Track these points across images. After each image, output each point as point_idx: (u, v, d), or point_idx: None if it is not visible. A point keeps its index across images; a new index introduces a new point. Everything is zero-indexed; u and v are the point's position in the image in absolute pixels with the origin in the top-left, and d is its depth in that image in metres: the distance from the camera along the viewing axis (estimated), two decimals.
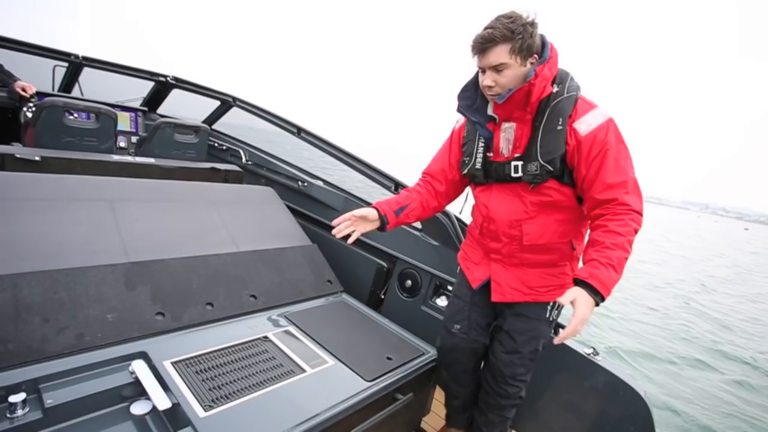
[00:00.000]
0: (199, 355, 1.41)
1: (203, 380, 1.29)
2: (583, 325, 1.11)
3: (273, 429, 1.14)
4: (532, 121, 1.26)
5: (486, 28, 1.17)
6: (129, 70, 3.47)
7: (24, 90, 2.74)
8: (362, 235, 2.55)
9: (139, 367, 1.28)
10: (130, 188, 1.98)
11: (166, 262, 1.70)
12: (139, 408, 1.22)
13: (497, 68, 1.19)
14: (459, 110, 1.37)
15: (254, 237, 2.13)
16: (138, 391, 1.27)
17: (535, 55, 1.21)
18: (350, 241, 1.52)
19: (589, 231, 1.29)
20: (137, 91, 3.90)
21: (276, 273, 2.00)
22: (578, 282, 1.14)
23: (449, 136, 1.55)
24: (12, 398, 1.07)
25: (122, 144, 3.21)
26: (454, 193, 1.60)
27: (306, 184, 2.88)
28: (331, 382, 1.41)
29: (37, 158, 1.98)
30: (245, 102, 3.31)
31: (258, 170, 3.30)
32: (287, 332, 1.67)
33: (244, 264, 1.94)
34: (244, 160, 3.37)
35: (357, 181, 2.75)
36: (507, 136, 1.31)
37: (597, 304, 1.12)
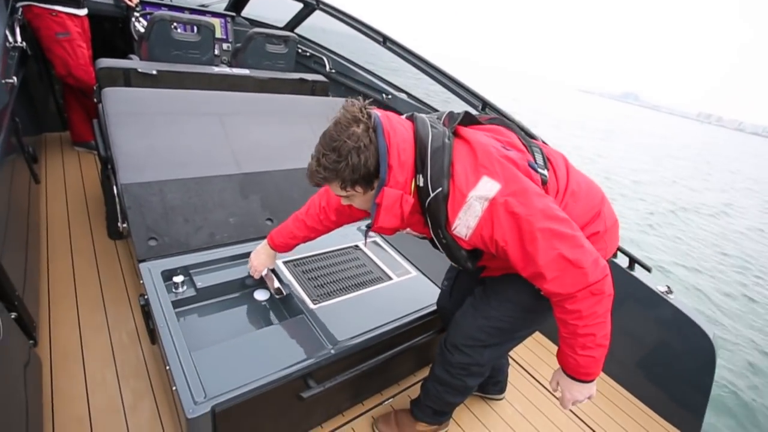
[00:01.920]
0: (304, 258, 1.67)
1: (309, 279, 1.56)
2: (573, 404, 1.07)
3: (366, 325, 1.38)
4: (422, 215, 1.02)
5: (313, 157, 0.96)
6: None
7: (130, 0, 2.91)
8: None
9: None
10: (233, 102, 2.17)
11: (270, 174, 1.92)
12: (260, 295, 1.53)
13: (343, 196, 1.01)
14: None
15: None
16: (259, 281, 1.58)
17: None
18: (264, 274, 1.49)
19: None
20: None
21: None
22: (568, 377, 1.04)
23: None
24: (175, 279, 1.40)
25: (216, 51, 3.36)
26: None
27: (390, 96, 2.88)
28: (414, 290, 1.62)
29: (154, 72, 2.20)
30: (329, 5, 3.21)
31: (341, 79, 3.32)
32: (375, 242, 1.87)
33: None
34: (327, 68, 3.39)
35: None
36: (411, 231, 1.15)
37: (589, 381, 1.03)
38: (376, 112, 0.97)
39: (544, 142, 1.30)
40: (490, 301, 1.17)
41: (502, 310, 1.16)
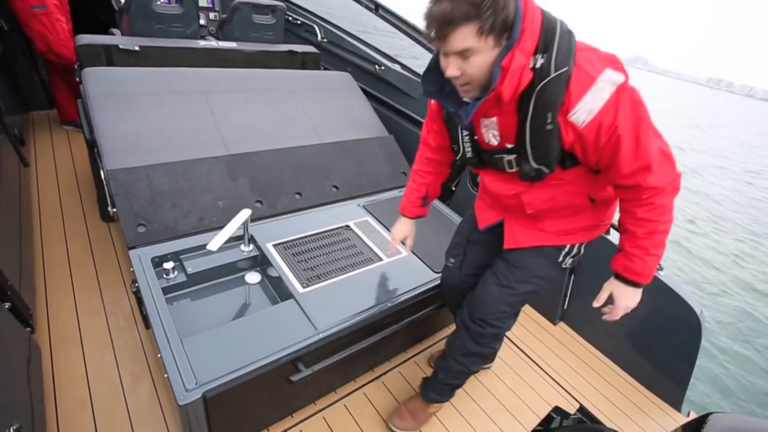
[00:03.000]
0: (294, 240, 1.67)
1: (299, 261, 1.56)
2: (626, 311, 1.13)
3: (356, 307, 1.40)
4: (516, 111, 0.96)
5: (440, 0, 0.82)
6: None
7: None
8: None
9: (249, 248, 1.58)
10: (220, 79, 2.10)
11: (259, 154, 1.89)
12: (251, 278, 1.54)
13: (463, 54, 0.87)
14: (426, 95, 1.08)
15: (335, 128, 2.23)
16: (249, 265, 1.59)
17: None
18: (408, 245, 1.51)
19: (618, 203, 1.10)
20: None
21: (355, 164, 2.14)
22: (615, 275, 1.11)
23: (429, 107, 1.28)
24: (165, 265, 1.41)
25: (202, 21, 3.23)
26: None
27: (383, 68, 2.78)
28: (405, 271, 1.63)
29: (136, 48, 2.13)
30: None
31: (333, 49, 3.21)
32: (366, 222, 1.87)
33: (327, 155, 2.08)
34: (319, 37, 3.26)
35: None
36: (490, 130, 1.04)
37: (640, 286, 1.10)
38: None
39: None
40: (516, 275, 1.24)
41: (529, 284, 1.24)
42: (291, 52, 2.68)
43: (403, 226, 1.48)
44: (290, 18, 3.52)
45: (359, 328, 1.38)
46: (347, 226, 1.82)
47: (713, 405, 3.49)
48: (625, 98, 0.87)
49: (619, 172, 0.95)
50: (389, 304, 1.46)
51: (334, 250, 1.67)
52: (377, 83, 2.86)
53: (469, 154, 1.15)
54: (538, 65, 0.87)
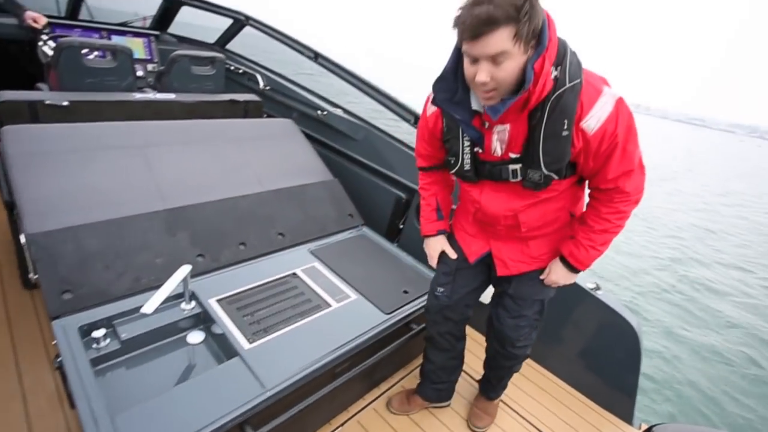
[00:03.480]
0: (239, 293, 1.62)
1: (244, 316, 1.51)
2: (554, 285, 1.36)
3: (306, 359, 1.36)
4: (528, 119, 1.03)
5: (483, 2, 0.85)
6: None
7: (35, 21, 2.69)
8: (381, 165, 2.61)
9: (191, 305, 1.51)
10: (157, 132, 2.06)
11: (200, 207, 1.85)
12: (194, 338, 1.46)
13: (495, 58, 0.90)
14: (436, 103, 1.11)
15: (278, 175, 2.23)
16: (191, 324, 1.51)
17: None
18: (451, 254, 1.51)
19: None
20: (147, 6, 3.75)
21: (300, 210, 2.14)
22: (560, 257, 1.30)
23: (420, 127, 1.34)
24: (95, 333, 1.31)
25: (140, 73, 3.18)
26: None
27: (326, 112, 2.86)
28: (355, 315, 1.61)
29: (65, 103, 2.05)
30: (259, 22, 3.15)
31: (276, 96, 3.26)
32: (313, 268, 1.85)
33: (271, 203, 2.07)
34: (261, 85, 3.31)
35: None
36: (500, 137, 1.09)
37: (577, 271, 1.29)
38: None
39: None
40: (521, 305, 1.42)
41: (534, 305, 1.43)
42: (232, 101, 2.69)
43: (434, 244, 1.50)
44: (231, 67, 3.56)
45: (311, 380, 1.34)
46: (294, 274, 1.79)
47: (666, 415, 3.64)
48: (623, 110, 1.00)
49: (604, 177, 1.09)
50: (340, 352, 1.43)
51: (282, 300, 1.63)
52: (321, 128, 2.93)
53: (467, 167, 1.19)
54: (555, 75, 0.96)
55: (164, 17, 3.67)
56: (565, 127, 0.99)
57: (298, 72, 3.67)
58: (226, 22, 3.50)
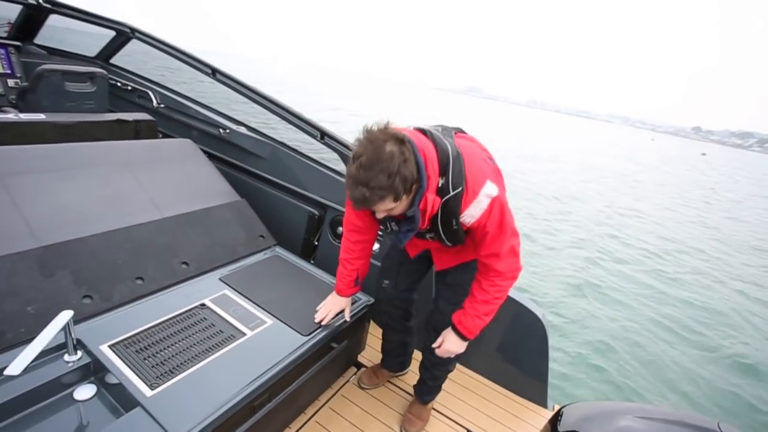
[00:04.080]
0: (137, 333, 1.45)
1: (145, 358, 1.36)
2: (448, 354, 1.54)
3: (219, 397, 1.26)
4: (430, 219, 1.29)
5: (359, 184, 1.08)
6: None
7: None
8: (291, 182, 2.56)
9: (76, 356, 1.31)
10: (21, 158, 1.78)
11: (83, 241, 1.63)
12: (82, 393, 1.28)
13: (389, 209, 1.19)
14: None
15: (178, 199, 2.06)
16: (78, 377, 1.32)
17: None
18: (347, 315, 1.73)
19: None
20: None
21: (206, 235, 2.00)
22: (452, 325, 1.49)
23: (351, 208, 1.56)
24: None
25: None
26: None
27: (228, 131, 2.73)
28: (271, 342, 1.54)
29: None
30: (146, 34, 2.90)
31: (173, 114, 3.03)
32: (224, 296, 1.73)
33: (171, 230, 1.90)
34: (155, 103, 3.06)
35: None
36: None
37: (466, 339, 1.49)
38: (404, 132, 1.16)
39: None
40: (458, 292, 1.55)
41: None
42: (120, 121, 2.43)
43: (339, 301, 1.70)
44: (119, 84, 3.24)
45: (227, 418, 1.24)
46: (203, 305, 1.66)
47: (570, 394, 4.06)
48: (495, 208, 1.24)
49: (479, 252, 1.35)
50: (258, 383, 1.35)
51: (189, 335, 1.50)
52: (224, 147, 2.78)
53: (395, 230, 1.41)
54: (440, 184, 1.20)
55: (26, 26, 3.21)
56: (454, 223, 1.26)
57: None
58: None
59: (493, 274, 1.35)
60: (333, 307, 1.68)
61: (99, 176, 1.93)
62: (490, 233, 1.27)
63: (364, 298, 1.88)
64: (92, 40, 3.55)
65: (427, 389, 1.84)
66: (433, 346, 1.56)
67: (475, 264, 1.48)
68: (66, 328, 1.26)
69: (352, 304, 1.79)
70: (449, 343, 1.50)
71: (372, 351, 2.20)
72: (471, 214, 1.23)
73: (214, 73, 2.58)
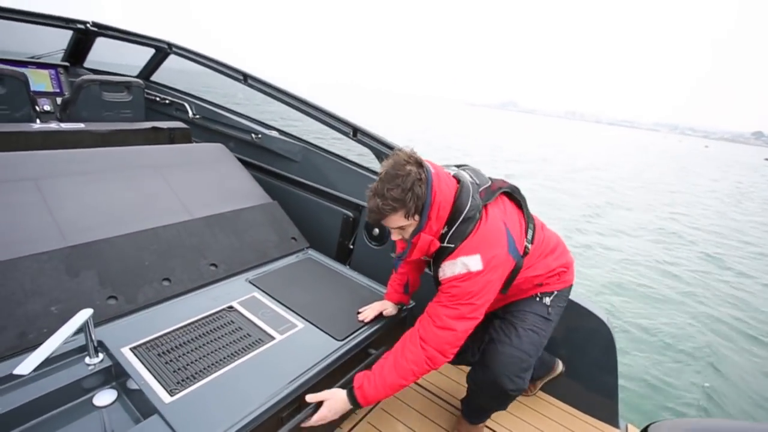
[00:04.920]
0: (160, 336, 1.35)
1: (166, 363, 1.25)
2: (321, 421, 1.23)
3: (244, 406, 1.12)
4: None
5: (376, 195, 1.19)
6: (38, 17, 3.00)
7: None
8: (324, 184, 2.45)
9: (97, 358, 1.22)
10: (56, 161, 1.78)
11: (110, 241, 1.58)
12: (102, 399, 1.18)
13: (400, 227, 1.26)
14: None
15: (208, 201, 2.00)
16: (99, 381, 1.23)
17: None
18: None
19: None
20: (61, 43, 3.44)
21: (235, 237, 1.91)
22: (348, 386, 1.28)
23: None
24: None
25: (47, 107, 2.86)
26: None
27: (260, 135, 2.69)
28: (302, 346, 1.40)
29: None
30: (183, 48, 2.96)
31: (207, 124, 3.05)
32: (253, 299, 1.62)
33: (200, 232, 1.83)
34: (190, 114, 3.10)
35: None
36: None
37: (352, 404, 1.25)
38: (428, 164, 1.25)
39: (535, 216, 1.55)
40: (512, 332, 1.45)
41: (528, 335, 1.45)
42: (155, 128, 2.45)
43: (385, 304, 1.61)
44: (158, 98, 3.32)
45: (252, 429, 1.10)
46: (230, 307, 1.55)
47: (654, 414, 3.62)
48: (461, 279, 1.23)
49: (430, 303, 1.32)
50: (287, 391, 1.20)
51: (215, 338, 1.39)
52: (258, 152, 2.74)
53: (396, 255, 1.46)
54: (443, 232, 1.27)
55: (77, 50, 3.38)
56: (438, 266, 1.31)
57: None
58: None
59: (419, 335, 1.27)
60: (376, 307, 1.59)
61: (130, 179, 1.90)
62: (444, 296, 1.27)
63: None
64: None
65: (474, 409, 1.63)
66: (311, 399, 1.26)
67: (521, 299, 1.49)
68: (86, 328, 1.17)
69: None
70: (330, 407, 1.23)
71: None
72: (444, 270, 1.28)
73: (245, 78, 2.57)
